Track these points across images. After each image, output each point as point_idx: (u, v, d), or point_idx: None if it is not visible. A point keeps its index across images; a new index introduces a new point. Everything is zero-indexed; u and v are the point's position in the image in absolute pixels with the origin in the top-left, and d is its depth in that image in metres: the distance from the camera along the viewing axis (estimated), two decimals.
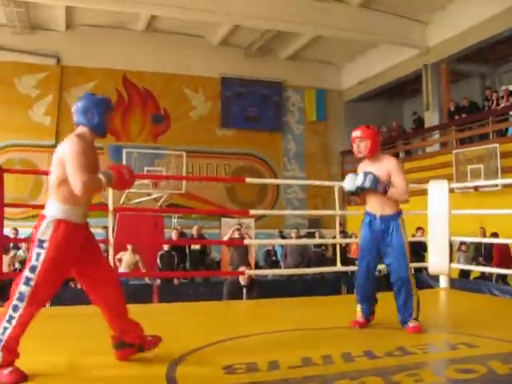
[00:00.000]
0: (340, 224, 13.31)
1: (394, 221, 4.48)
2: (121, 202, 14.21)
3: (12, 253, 10.94)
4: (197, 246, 11.90)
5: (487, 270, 9.70)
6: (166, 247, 11.33)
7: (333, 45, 17.67)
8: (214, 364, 3.37)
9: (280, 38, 17.26)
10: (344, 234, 13.46)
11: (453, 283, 7.38)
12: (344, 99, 20.36)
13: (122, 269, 10.92)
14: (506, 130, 14.06)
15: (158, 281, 10.20)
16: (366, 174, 4.42)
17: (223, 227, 12.99)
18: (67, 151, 3.16)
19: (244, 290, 7.19)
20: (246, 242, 8.35)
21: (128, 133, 17.64)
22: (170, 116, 18.11)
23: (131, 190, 14.34)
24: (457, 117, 15.18)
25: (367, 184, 4.40)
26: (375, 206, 4.57)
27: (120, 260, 11.09)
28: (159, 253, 11.23)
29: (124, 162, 14.54)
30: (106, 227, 8.45)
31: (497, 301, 6.84)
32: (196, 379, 3.11)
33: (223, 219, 13.67)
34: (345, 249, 12.49)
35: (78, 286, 9.43)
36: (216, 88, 18.62)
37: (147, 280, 10.60)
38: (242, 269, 7.13)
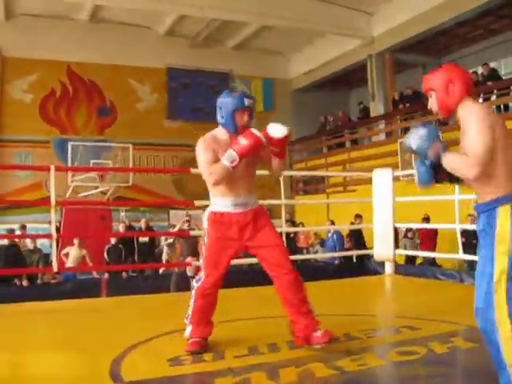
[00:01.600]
0: (288, 213, 13.42)
1: (486, 214, 2.67)
2: (67, 196, 13.97)
3: None
4: (145, 239, 11.81)
5: (431, 255, 9.94)
6: (113, 241, 11.21)
7: (280, 34, 17.68)
8: (159, 356, 3.36)
9: (226, 27, 17.18)
10: (292, 223, 13.56)
11: (398, 269, 7.54)
12: (291, 89, 20.45)
13: (68, 263, 10.78)
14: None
15: (106, 275, 10.09)
16: (421, 127, 2.84)
17: (172, 219, 12.93)
18: (196, 152, 3.51)
19: (192, 281, 7.16)
20: (193, 233, 8.32)
21: (73, 126, 17.31)
22: (116, 108, 17.83)
23: (78, 184, 14.14)
24: (401, 106, 15.45)
25: (413, 145, 2.81)
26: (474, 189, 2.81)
27: (67, 255, 10.94)
28: (106, 246, 11.11)
29: (69, 156, 14.30)
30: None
31: (440, 285, 7.01)
32: (140, 372, 3.08)
33: (171, 211, 13.62)
34: (293, 238, 12.58)
35: (24, 283, 9.25)
36: (162, 79, 18.42)
37: (95, 274, 10.47)
38: (188, 260, 7.11)
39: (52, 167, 5.83)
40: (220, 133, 3.52)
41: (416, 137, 2.80)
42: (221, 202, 3.49)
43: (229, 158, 3.30)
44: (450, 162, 2.73)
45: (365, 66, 17.13)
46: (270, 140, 3.42)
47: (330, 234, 12.16)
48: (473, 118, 2.66)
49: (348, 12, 15.98)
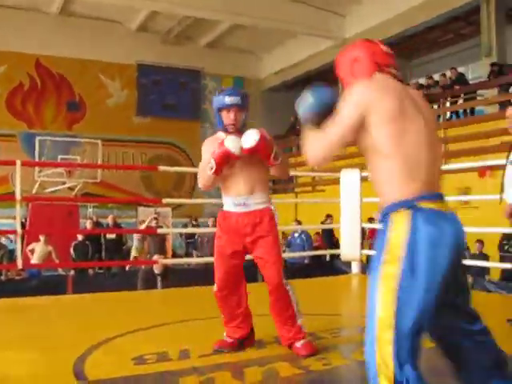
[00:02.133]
0: None
1: (384, 221, 2.05)
2: (34, 191, 13.78)
3: None
4: (112, 236, 11.72)
5: None
6: (80, 237, 11.10)
7: (252, 34, 17.71)
8: (123, 355, 3.33)
9: (198, 25, 17.14)
10: None
11: (365, 269, 7.60)
12: (262, 88, 20.49)
13: (34, 260, 10.64)
14: None
15: (72, 271, 9.99)
16: (312, 90, 2.26)
17: (140, 216, 12.86)
18: None
19: (158, 279, 7.16)
20: (160, 231, 8.30)
21: (41, 120, 17.09)
22: (85, 103, 17.66)
23: (45, 179, 13.95)
24: None
25: (298, 108, 2.27)
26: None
27: (32, 251, 10.79)
28: (73, 243, 10.99)
29: (36, 151, 14.11)
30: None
31: None
32: (104, 371, 3.06)
33: (140, 208, 13.54)
34: None
35: None
36: (133, 75, 18.31)
37: (61, 271, 10.36)
38: (155, 257, 7.11)
39: (18, 162, 5.75)
40: (220, 133, 3.47)
41: (302, 100, 2.26)
42: (225, 200, 3.48)
43: (209, 165, 3.29)
44: (305, 137, 2.15)
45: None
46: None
47: (296, 234, 12.16)
48: (348, 95, 2.07)
49: (320, 13, 16.07)
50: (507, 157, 4.37)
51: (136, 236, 10.78)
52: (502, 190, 4.38)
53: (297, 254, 10.87)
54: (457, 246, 1.96)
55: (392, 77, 2.16)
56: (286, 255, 11.36)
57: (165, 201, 6.85)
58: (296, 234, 12.10)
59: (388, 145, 1.98)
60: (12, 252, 10.80)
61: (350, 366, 3.26)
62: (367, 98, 2.01)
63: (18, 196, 5.76)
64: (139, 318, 4.23)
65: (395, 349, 1.86)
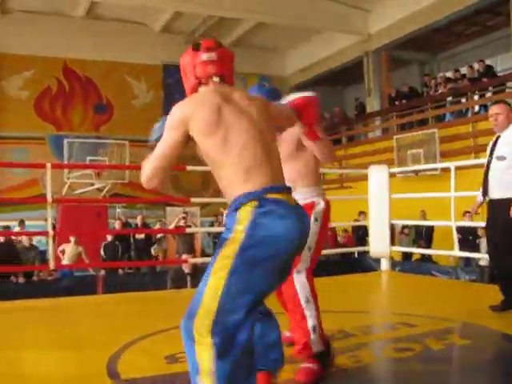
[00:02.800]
0: None
1: (230, 215, 2.07)
2: (63, 193, 13.96)
3: None
4: (141, 236, 11.81)
5: (426, 251, 9.96)
6: (109, 237, 11.21)
7: (276, 31, 17.67)
8: (156, 354, 3.35)
9: (223, 24, 17.16)
10: None
11: (394, 265, 7.55)
12: (288, 85, 20.42)
13: (65, 261, 10.78)
14: (444, 115, 14.42)
15: (103, 271, 10.09)
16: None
17: (168, 216, 12.94)
18: None
19: (188, 278, 7.20)
20: (189, 230, 8.33)
21: (69, 122, 17.29)
22: (112, 105, 17.83)
23: (74, 181, 14.12)
24: (397, 102, 15.47)
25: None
26: None
27: (63, 252, 10.94)
28: (103, 243, 11.11)
29: (65, 153, 14.29)
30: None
31: (435, 281, 7.03)
32: (137, 370, 3.08)
33: (168, 208, 13.62)
34: None
35: (20, 280, 9.23)
36: (158, 76, 18.42)
37: (91, 271, 10.48)
38: (184, 257, 7.15)
39: (48, 165, 5.82)
40: None
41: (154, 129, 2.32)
42: None
43: None
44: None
45: (361, 62, 17.14)
46: None
47: None
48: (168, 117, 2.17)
49: (345, 9, 15.98)
50: (490, 154, 4.30)
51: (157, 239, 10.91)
52: (485, 186, 4.29)
53: (325, 251, 10.80)
54: (293, 240, 2.01)
55: (215, 87, 2.24)
56: None
57: (193, 200, 6.88)
58: None
59: (216, 155, 2.07)
60: (43, 253, 10.96)
61: (382, 363, 3.25)
62: (183, 117, 2.10)
63: (49, 198, 5.84)
64: (170, 317, 4.24)
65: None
